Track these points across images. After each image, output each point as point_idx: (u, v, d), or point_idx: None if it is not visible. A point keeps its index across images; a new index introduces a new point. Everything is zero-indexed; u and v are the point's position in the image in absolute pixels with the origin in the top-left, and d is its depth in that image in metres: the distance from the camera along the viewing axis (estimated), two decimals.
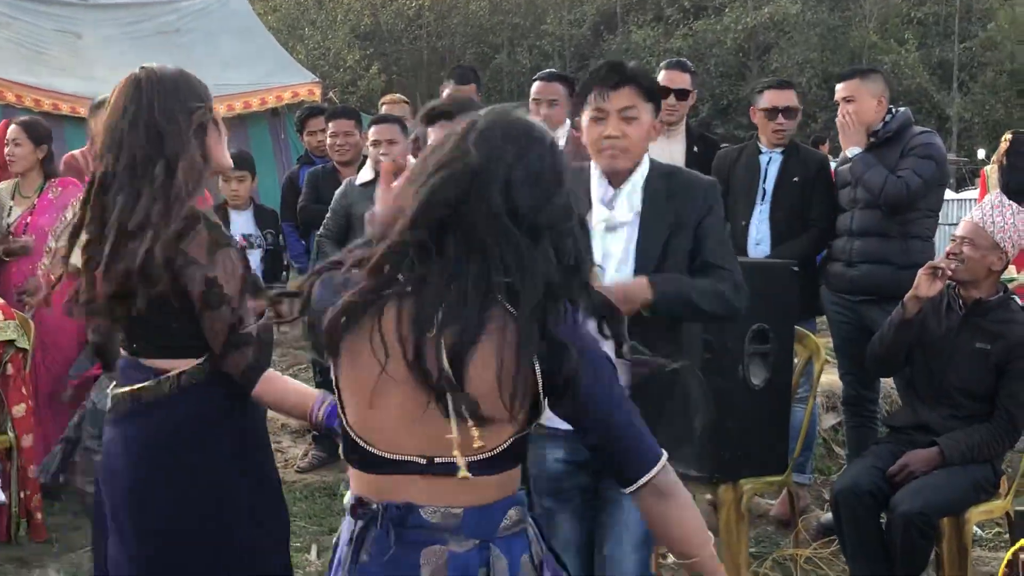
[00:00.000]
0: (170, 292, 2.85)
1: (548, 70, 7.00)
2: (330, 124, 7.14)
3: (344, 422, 2.27)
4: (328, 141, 7.09)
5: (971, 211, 5.01)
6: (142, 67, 3.04)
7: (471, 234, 2.09)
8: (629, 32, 33.71)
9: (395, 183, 2.51)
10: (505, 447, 2.18)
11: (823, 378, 5.62)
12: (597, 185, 3.53)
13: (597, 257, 3.16)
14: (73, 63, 15.60)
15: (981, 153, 23.01)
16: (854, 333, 5.59)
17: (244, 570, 3.04)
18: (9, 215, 6.36)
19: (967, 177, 20.44)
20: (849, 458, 5.84)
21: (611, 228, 3.48)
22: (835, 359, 6.03)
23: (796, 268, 4.91)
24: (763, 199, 5.88)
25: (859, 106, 5.56)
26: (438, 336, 2.05)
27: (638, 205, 3.48)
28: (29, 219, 6.32)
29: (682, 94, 6.28)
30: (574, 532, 3.51)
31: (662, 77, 6.30)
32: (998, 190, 6.48)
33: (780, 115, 5.84)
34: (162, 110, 2.93)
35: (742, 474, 4.94)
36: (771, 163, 5.92)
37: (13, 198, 6.42)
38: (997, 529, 5.49)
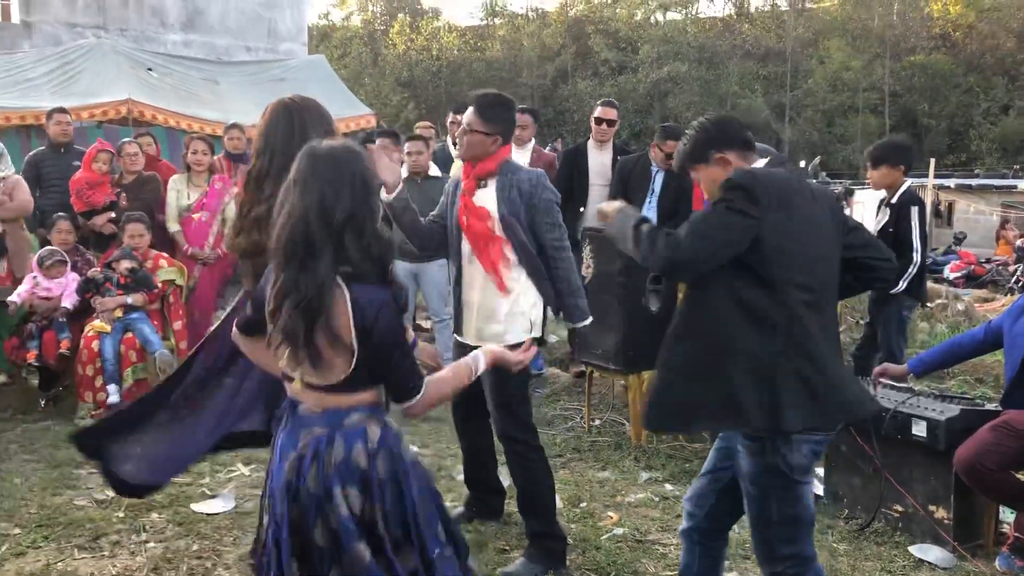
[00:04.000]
0: None
1: (522, 106, 6.96)
2: (378, 140, 6.99)
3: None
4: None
5: None
6: (290, 96, 2.88)
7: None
8: (576, 83, 33.46)
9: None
10: (340, 380, 2.12)
11: None
12: None
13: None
14: (212, 100, 15.40)
15: (802, 163, 22.97)
16: None
17: None
18: (189, 199, 6.28)
19: None
20: None
21: None
22: None
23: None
24: (651, 195, 5.88)
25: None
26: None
27: None
28: (204, 201, 6.26)
29: (611, 123, 6.28)
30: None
31: (598, 111, 6.29)
32: None
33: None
34: (311, 126, 2.77)
35: (642, 367, 4.99)
36: (657, 172, 5.89)
37: (188, 186, 6.33)
38: None
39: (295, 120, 2.81)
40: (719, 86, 32.48)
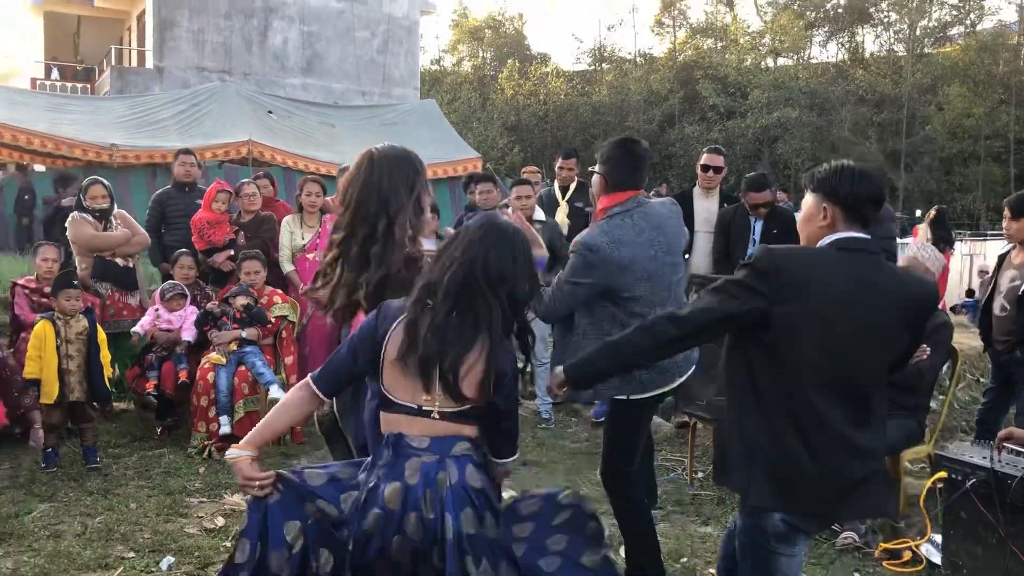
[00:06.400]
0: None
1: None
2: (479, 185, 7.05)
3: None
4: (477, 196, 6.94)
5: (907, 251, 4.88)
6: (376, 146, 2.80)
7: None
8: (683, 127, 33.28)
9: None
10: (462, 409, 2.32)
11: None
12: None
13: None
14: (329, 142, 15.96)
15: (919, 212, 22.18)
16: None
17: None
18: (303, 239, 6.45)
19: (907, 229, 19.74)
20: None
21: None
22: None
23: None
24: (752, 244, 5.83)
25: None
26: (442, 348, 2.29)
27: None
28: (317, 241, 6.36)
29: (717, 170, 6.20)
30: None
31: (704, 158, 6.23)
32: (922, 239, 6.32)
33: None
34: (388, 180, 2.71)
35: None
36: (756, 221, 5.92)
37: (301, 227, 6.50)
38: (921, 465, 5.30)
39: (374, 171, 2.75)
40: (830, 132, 31.84)
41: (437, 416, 2.33)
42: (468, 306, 2.30)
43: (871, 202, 2.52)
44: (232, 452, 2.42)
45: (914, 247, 4.78)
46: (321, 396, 2.46)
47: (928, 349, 4.42)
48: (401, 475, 2.28)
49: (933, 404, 5.21)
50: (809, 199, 2.61)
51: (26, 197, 13.84)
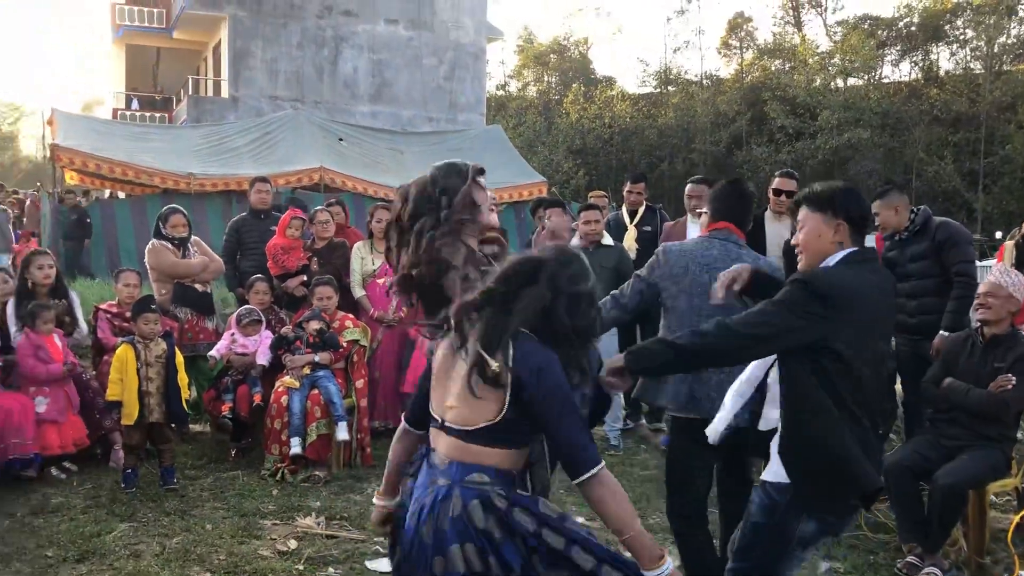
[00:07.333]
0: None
1: (697, 175, 6.90)
2: (548, 210, 7.01)
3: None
4: (547, 221, 6.88)
5: (988, 275, 4.75)
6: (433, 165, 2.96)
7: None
8: (751, 149, 32.90)
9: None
10: (479, 427, 2.20)
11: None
12: None
13: None
14: (397, 168, 16.18)
15: (999, 234, 21.48)
16: (912, 358, 5.31)
17: None
18: (373, 264, 6.54)
19: (987, 251, 19.14)
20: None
21: None
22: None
23: None
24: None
25: (881, 218, 5.33)
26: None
27: None
28: (387, 267, 6.42)
29: (790, 194, 6.08)
30: None
31: (777, 182, 6.14)
32: (1004, 263, 6.12)
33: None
34: (441, 189, 2.79)
35: None
36: None
37: (371, 252, 6.60)
38: (1007, 498, 5.11)
39: (428, 187, 2.84)
40: (904, 153, 31.11)
41: (451, 428, 2.25)
42: (521, 307, 2.21)
43: (868, 218, 2.84)
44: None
45: (996, 272, 4.64)
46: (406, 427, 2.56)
47: (1013, 378, 4.29)
48: (423, 493, 2.26)
49: (1020, 435, 5.03)
50: (814, 217, 2.78)
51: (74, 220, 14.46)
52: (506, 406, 2.17)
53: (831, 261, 2.73)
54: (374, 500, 2.65)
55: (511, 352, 2.16)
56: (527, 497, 2.26)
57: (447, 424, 2.26)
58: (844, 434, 2.60)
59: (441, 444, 2.28)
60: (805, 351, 2.62)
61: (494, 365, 2.14)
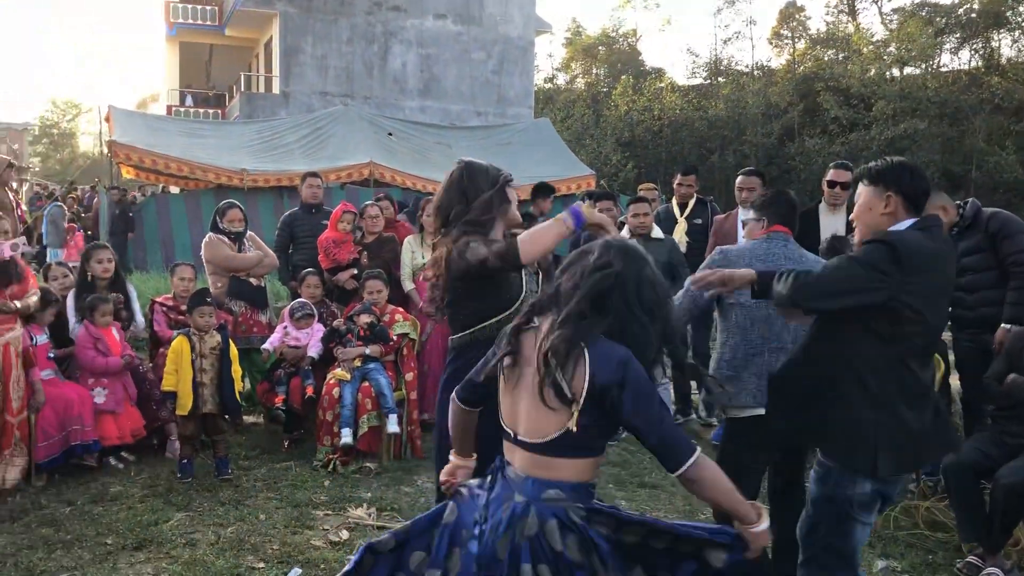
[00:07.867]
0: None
1: (748, 167, 6.81)
2: (599, 203, 7.00)
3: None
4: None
5: None
6: (461, 162, 3.25)
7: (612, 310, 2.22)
8: (804, 141, 32.35)
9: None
10: (553, 438, 2.17)
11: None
12: None
13: None
14: (446, 163, 16.12)
15: None
16: (973, 353, 5.18)
17: None
18: (423, 258, 6.53)
19: None
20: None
21: None
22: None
23: None
24: None
25: None
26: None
27: None
28: None
29: (844, 186, 5.97)
30: None
31: (831, 174, 6.03)
32: None
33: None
34: (471, 184, 3.15)
35: None
36: None
37: (422, 247, 6.61)
38: None
39: (461, 182, 3.17)
40: (963, 143, 30.34)
41: (524, 442, 2.21)
42: (596, 316, 2.18)
43: (924, 194, 2.83)
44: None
45: None
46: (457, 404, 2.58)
47: None
48: (499, 508, 2.21)
49: None
50: (868, 191, 2.87)
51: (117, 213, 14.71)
52: (581, 412, 2.13)
53: (900, 227, 2.76)
54: (450, 457, 2.67)
55: (585, 355, 2.14)
56: (607, 506, 2.25)
57: (520, 438, 2.24)
58: (874, 406, 2.68)
59: (516, 459, 2.25)
60: (865, 311, 2.66)
61: (565, 386, 2.15)
